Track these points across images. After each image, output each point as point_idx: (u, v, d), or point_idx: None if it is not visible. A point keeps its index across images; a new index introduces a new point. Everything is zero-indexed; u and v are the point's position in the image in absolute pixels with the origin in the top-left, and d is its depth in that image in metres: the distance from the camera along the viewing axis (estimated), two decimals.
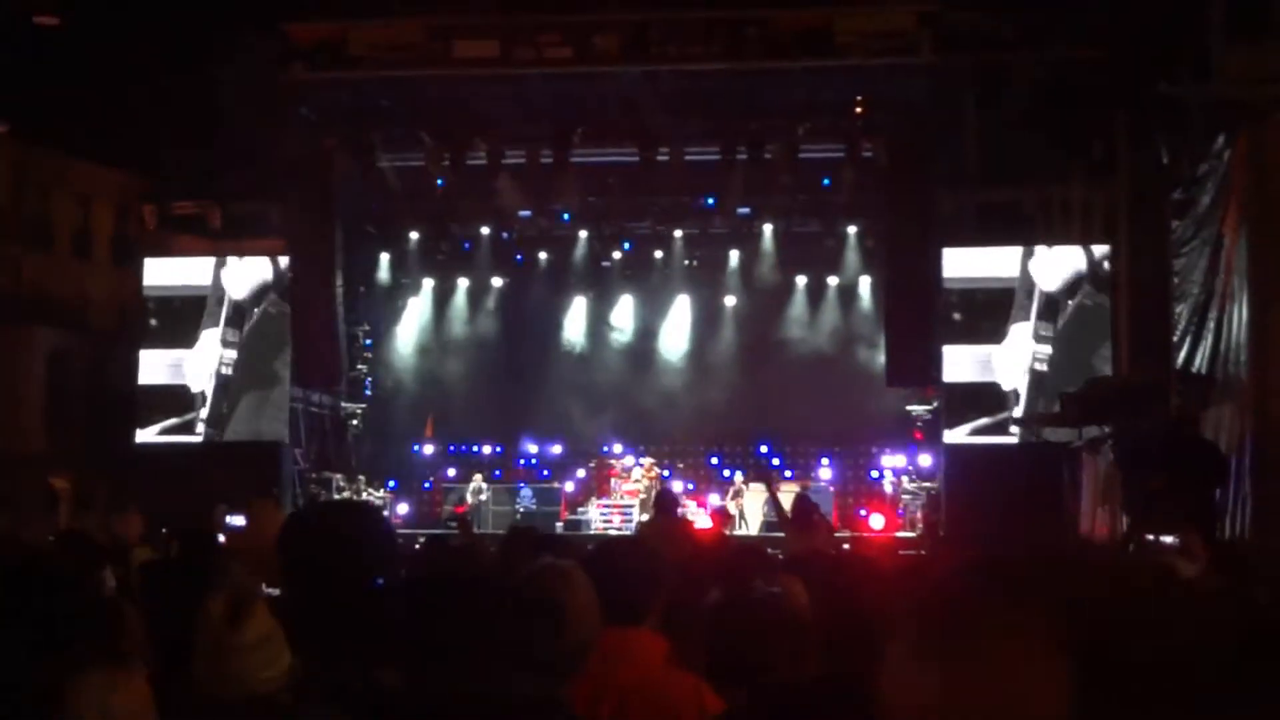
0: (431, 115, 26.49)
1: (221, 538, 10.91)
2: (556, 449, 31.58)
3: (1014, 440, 25.56)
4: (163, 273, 28.25)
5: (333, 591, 3.63)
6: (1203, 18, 20.44)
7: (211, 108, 25.60)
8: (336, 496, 27.94)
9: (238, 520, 13.50)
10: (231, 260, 27.94)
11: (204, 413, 27.62)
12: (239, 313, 27.85)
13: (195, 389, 27.67)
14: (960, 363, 25.98)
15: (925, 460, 27.83)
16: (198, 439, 27.37)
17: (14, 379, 27.22)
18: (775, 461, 30.41)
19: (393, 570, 4.14)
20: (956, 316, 26.07)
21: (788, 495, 16.89)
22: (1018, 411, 25.70)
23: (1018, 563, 2.22)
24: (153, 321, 27.96)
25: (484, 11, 25.05)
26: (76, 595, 4.45)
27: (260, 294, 27.80)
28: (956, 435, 25.83)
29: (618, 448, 30.72)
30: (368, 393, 31.07)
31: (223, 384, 27.67)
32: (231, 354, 27.75)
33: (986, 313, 26.00)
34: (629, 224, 31.22)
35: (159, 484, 24.68)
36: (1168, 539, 14.61)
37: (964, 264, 26.19)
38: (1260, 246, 19.18)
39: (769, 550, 10.06)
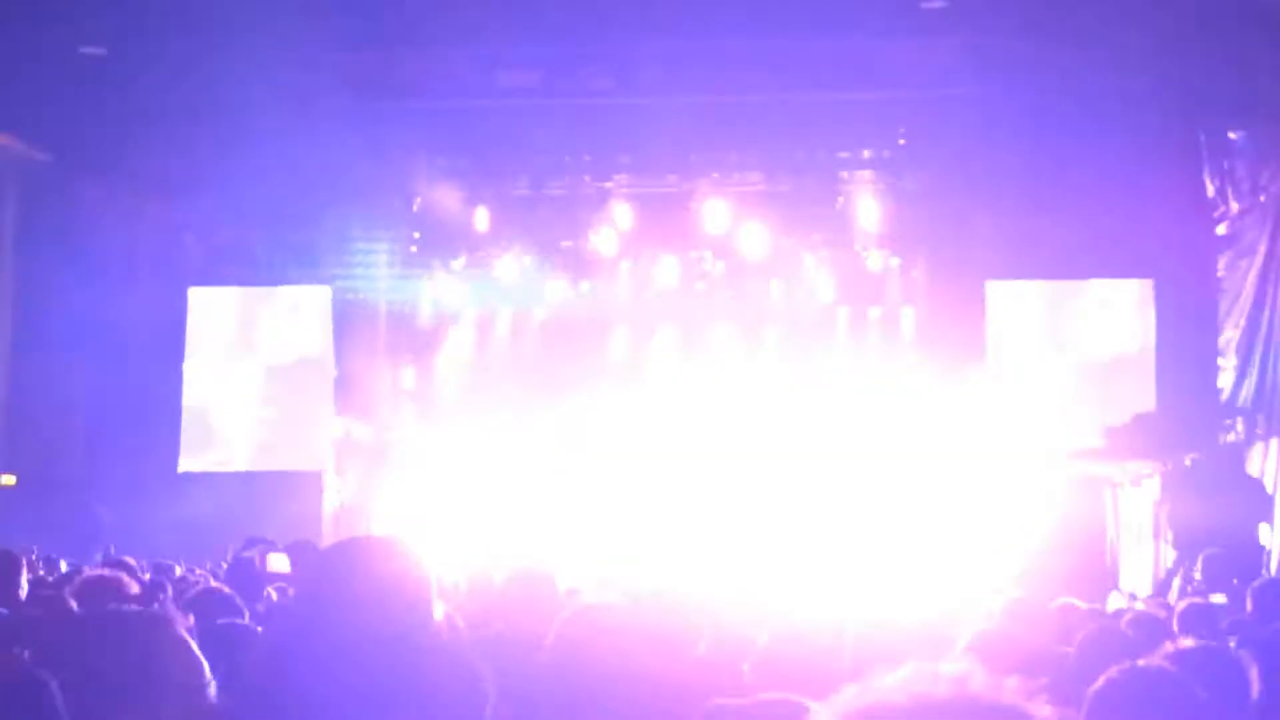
0: (474, 145, 26.56)
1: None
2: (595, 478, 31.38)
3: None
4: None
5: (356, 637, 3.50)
6: (1249, 51, 20.35)
7: (255, 137, 25.70)
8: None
9: (278, 561, 13.44)
10: None
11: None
12: None
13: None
14: None
15: None
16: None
17: (57, 404, 27.32)
18: None
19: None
20: None
21: None
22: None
23: None
24: None
25: (527, 41, 25.11)
26: None
27: None
28: None
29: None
30: (408, 421, 31.04)
31: None
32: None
33: None
34: (671, 254, 31.16)
35: (200, 512, 24.77)
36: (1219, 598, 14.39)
37: None
38: None
39: None
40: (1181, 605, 10.65)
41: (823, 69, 24.52)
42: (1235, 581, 14.75)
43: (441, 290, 31.90)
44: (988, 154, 25.49)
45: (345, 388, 27.27)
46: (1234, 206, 21.94)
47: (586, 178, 26.82)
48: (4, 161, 26.16)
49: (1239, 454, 19.92)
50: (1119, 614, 11.37)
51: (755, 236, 29.73)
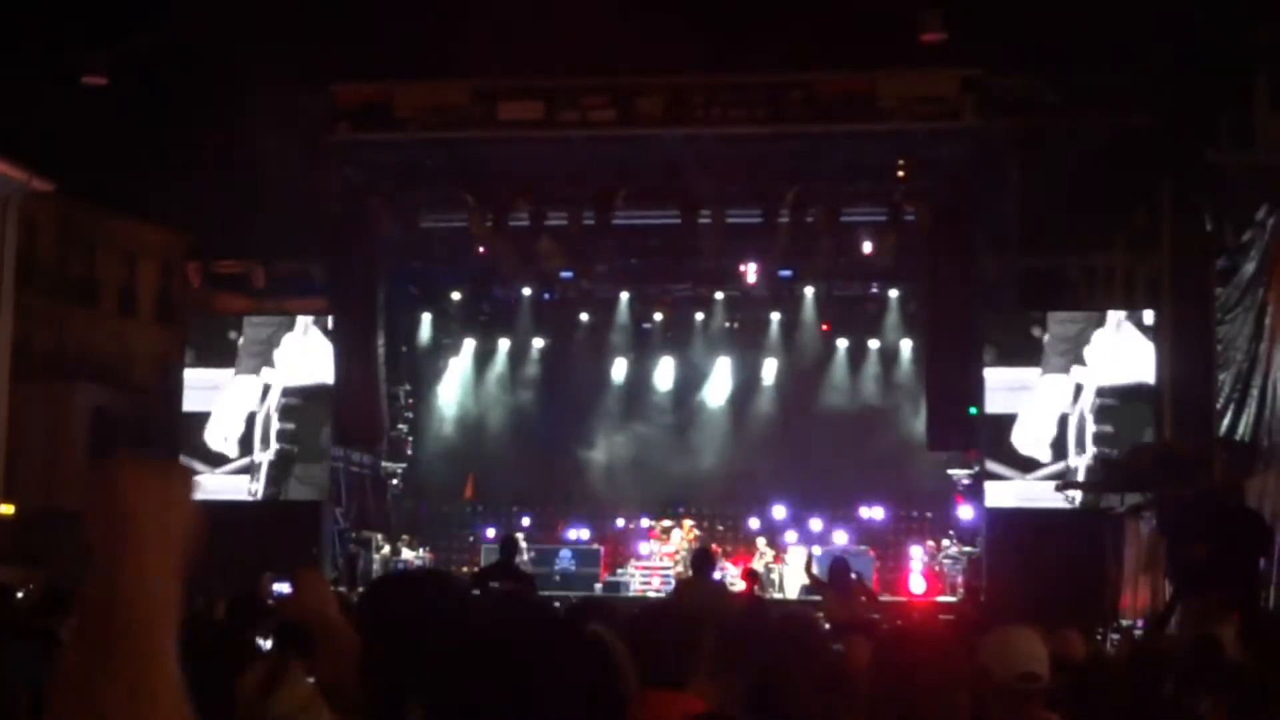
0: (475, 176, 26.59)
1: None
2: (595, 510, 31.38)
3: (1056, 504, 25.28)
4: None
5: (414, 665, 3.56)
6: (1246, 87, 20.42)
7: (256, 167, 25.79)
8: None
9: (284, 587, 13.50)
10: None
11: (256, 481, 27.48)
12: None
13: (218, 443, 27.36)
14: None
15: (966, 523, 27.61)
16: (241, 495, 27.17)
17: (57, 434, 27.36)
18: (817, 524, 30.12)
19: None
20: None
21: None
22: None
23: None
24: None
25: (528, 74, 25.20)
26: None
27: None
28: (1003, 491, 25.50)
29: (657, 509, 30.53)
30: (408, 452, 31.10)
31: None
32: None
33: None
34: (670, 286, 31.22)
35: (198, 542, 24.72)
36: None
37: None
38: None
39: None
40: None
41: (822, 101, 24.62)
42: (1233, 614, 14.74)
43: (441, 320, 31.98)
44: (986, 185, 25.56)
45: (344, 417, 27.25)
46: (1231, 240, 21.95)
47: (586, 208, 26.86)
48: (6, 189, 26.25)
49: (1238, 486, 19.88)
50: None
51: (754, 268, 29.76)
